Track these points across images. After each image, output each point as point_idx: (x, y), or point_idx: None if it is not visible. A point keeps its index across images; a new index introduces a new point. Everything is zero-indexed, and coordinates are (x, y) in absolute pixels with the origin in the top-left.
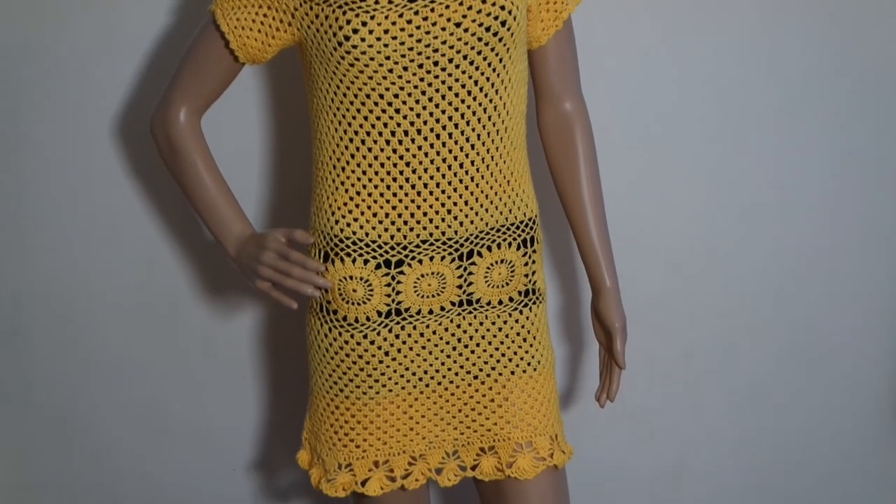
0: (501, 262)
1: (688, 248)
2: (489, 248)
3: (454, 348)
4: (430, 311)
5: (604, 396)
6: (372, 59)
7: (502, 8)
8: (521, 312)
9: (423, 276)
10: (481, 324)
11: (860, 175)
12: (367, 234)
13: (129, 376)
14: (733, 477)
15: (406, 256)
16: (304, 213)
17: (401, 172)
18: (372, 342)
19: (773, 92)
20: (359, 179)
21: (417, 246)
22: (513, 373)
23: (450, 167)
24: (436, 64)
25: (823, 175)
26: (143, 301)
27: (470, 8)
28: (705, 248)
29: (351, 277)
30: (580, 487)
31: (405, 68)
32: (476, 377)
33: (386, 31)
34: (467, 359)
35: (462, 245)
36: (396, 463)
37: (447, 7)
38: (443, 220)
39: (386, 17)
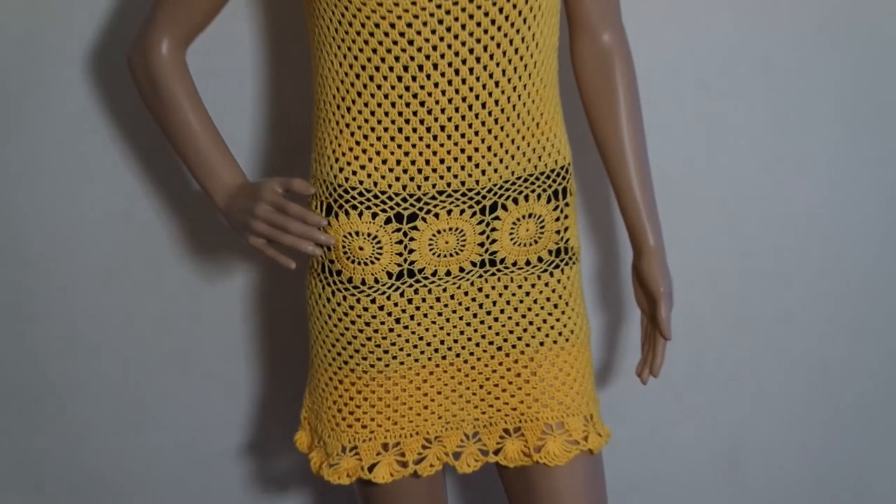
0: (529, 216)
1: (742, 205)
2: (515, 201)
3: (475, 315)
4: (448, 273)
5: (646, 372)
6: None
7: None
8: (551, 275)
9: (439, 232)
10: (506, 287)
11: None
12: (375, 184)
13: (103, 348)
14: (795, 462)
15: (420, 209)
16: (303, 160)
17: (414, 113)
18: (381, 307)
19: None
20: (366, 121)
21: (433, 197)
22: (542, 344)
23: (470, 107)
24: None
25: (885, 144)
26: (119, 262)
27: None
28: (761, 205)
29: (357, 233)
30: (618, 475)
31: None
32: (500, 349)
33: None
34: (490, 327)
35: (484, 197)
36: (408, 446)
37: None
38: (462, 168)
39: None
